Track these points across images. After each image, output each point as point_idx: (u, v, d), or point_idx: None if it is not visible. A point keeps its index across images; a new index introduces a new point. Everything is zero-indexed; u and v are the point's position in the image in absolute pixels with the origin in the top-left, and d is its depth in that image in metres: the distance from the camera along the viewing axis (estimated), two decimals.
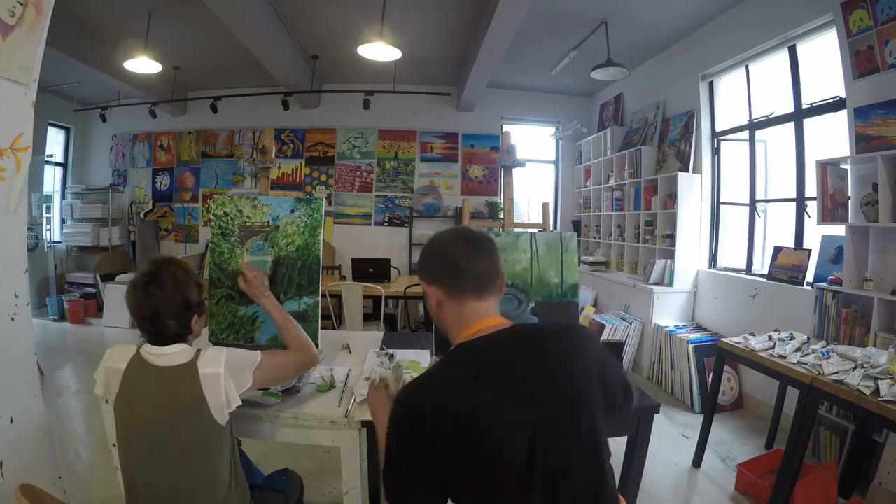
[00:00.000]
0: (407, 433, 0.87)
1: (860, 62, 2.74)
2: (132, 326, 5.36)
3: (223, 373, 1.17)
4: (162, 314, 1.18)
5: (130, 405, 1.18)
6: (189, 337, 1.26)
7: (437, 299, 0.99)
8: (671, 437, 3.03)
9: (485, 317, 0.96)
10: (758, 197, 3.82)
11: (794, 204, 3.39)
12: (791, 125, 3.40)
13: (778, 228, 3.68)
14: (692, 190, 4.14)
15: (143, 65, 4.34)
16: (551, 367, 0.90)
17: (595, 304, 5.12)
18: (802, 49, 3.33)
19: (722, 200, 4.20)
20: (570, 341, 0.96)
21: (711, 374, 2.72)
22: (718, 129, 4.19)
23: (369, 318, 4.29)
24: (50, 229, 6.24)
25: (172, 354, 1.18)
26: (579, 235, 5.91)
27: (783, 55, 3.45)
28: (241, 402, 1.21)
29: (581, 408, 0.90)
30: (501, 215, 2.44)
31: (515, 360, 0.89)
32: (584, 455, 0.88)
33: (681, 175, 4.09)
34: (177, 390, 1.15)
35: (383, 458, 0.91)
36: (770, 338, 2.44)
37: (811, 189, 3.15)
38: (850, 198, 2.73)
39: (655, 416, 1.61)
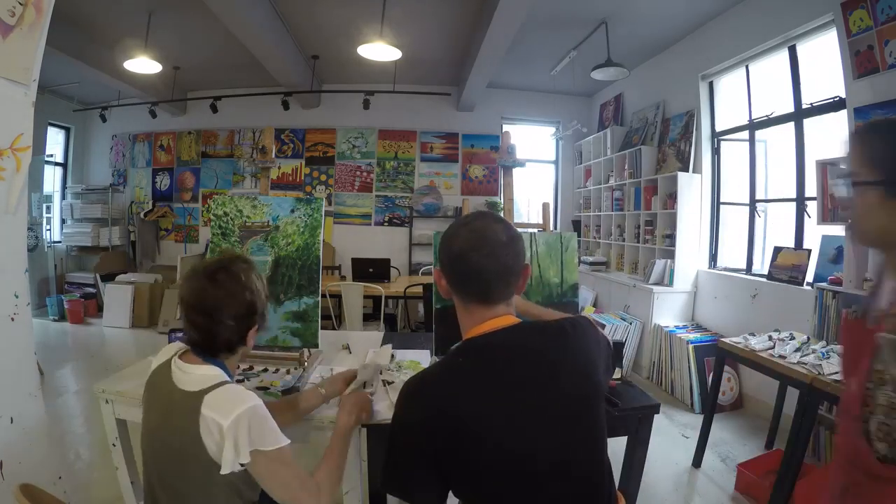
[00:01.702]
0: (409, 424, 0.86)
1: (860, 62, 2.74)
2: (132, 326, 5.36)
3: (227, 429, 0.94)
4: (224, 308, 1.03)
5: (147, 413, 1.08)
6: (240, 349, 1.11)
7: (445, 290, 0.96)
8: (671, 437, 3.03)
9: (494, 317, 0.92)
10: (758, 197, 3.81)
11: (794, 204, 3.39)
12: (791, 125, 3.40)
13: (778, 228, 3.68)
14: (692, 190, 4.14)
15: (142, 65, 4.34)
16: (556, 363, 0.89)
17: (595, 304, 5.12)
18: (802, 49, 3.33)
19: (722, 200, 4.19)
20: (573, 336, 0.94)
21: (711, 374, 2.73)
22: (718, 129, 4.19)
23: (369, 318, 4.29)
24: (50, 229, 6.24)
25: (194, 377, 1.02)
26: (579, 235, 5.92)
27: (783, 55, 3.45)
28: (230, 471, 0.96)
29: (584, 403, 0.90)
30: (501, 215, 2.44)
31: (520, 356, 0.88)
32: (586, 449, 0.89)
33: (681, 175, 4.09)
34: (178, 421, 0.99)
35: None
36: (770, 338, 2.44)
37: (811, 189, 3.16)
38: None
39: (655, 416, 1.61)
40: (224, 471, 0.95)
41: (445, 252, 0.92)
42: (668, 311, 4.08)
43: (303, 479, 1.04)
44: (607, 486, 0.92)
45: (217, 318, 1.03)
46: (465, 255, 0.89)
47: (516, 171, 2.13)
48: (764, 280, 3.41)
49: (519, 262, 0.92)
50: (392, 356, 1.90)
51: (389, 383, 1.60)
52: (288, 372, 1.69)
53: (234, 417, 0.94)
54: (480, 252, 0.88)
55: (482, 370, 0.87)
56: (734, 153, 4.11)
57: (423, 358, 1.89)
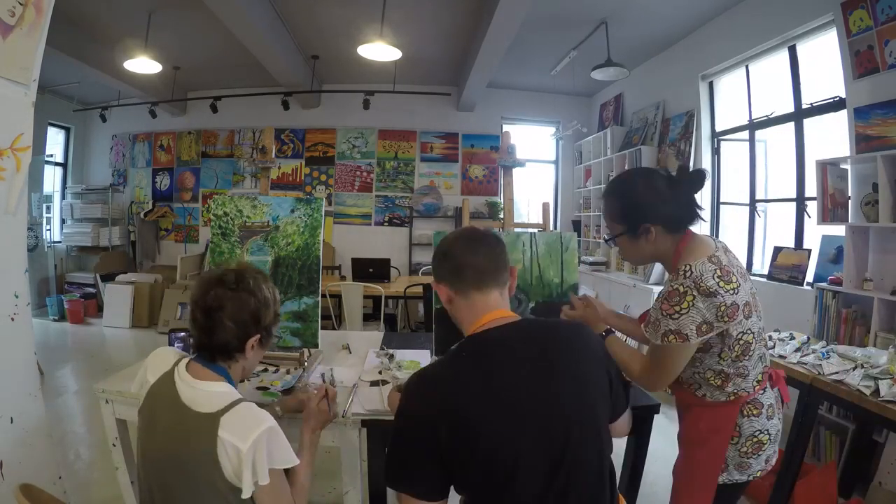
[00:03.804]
0: (413, 419, 0.89)
1: (860, 62, 2.74)
2: (132, 326, 5.36)
3: (246, 453, 0.92)
4: (224, 309, 1.01)
5: (148, 430, 1.02)
6: (238, 357, 1.07)
7: (446, 296, 1.02)
8: (671, 437, 3.01)
9: (492, 309, 0.97)
10: (758, 197, 3.81)
11: (794, 204, 3.39)
12: (791, 125, 3.40)
13: (778, 228, 3.68)
14: None
15: (143, 65, 4.35)
16: (558, 359, 0.92)
17: None
18: (802, 49, 3.33)
19: (722, 200, 4.19)
20: (576, 337, 0.98)
21: None
22: (718, 129, 4.19)
23: (369, 318, 4.29)
24: (50, 229, 6.25)
25: (204, 394, 0.98)
26: (579, 235, 5.91)
27: (783, 55, 3.45)
28: (250, 494, 0.94)
29: (581, 402, 0.91)
30: (501, 215, 2.44)
31: (522, 352, 0.91)
32: (585, 449, 0.89)
33: None
34: (193, 444, 0.94)
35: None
36: (770, 338, 2.43)
37: (811, 189, 3.16)
38: (850, 198, 2.73)
39: (655, 416, 1.61)
40: (245, 495, 0.94)
41: (439, 258, 1.04)
42: None
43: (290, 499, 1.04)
44: (608, 487, 0.92)
45: (216, 318, 1.02)
46: (454, 253, 1.01)
47: (516, 171, 2.14)
48: (764, 280, 3.41)
49: (504, 259, 1.03)
50: (391, 356, 1.90)
51: (385, 383, 1.60)
52: (288, 372, 1.70)
53: (252, 440, 0.92)
54: (468, 248, 1.01)
55: (483, 366, 0.90)
56: (734, 153, 4.11)
57: (422, 358, 1.89)
